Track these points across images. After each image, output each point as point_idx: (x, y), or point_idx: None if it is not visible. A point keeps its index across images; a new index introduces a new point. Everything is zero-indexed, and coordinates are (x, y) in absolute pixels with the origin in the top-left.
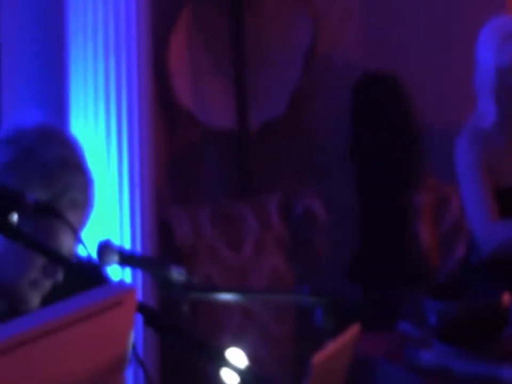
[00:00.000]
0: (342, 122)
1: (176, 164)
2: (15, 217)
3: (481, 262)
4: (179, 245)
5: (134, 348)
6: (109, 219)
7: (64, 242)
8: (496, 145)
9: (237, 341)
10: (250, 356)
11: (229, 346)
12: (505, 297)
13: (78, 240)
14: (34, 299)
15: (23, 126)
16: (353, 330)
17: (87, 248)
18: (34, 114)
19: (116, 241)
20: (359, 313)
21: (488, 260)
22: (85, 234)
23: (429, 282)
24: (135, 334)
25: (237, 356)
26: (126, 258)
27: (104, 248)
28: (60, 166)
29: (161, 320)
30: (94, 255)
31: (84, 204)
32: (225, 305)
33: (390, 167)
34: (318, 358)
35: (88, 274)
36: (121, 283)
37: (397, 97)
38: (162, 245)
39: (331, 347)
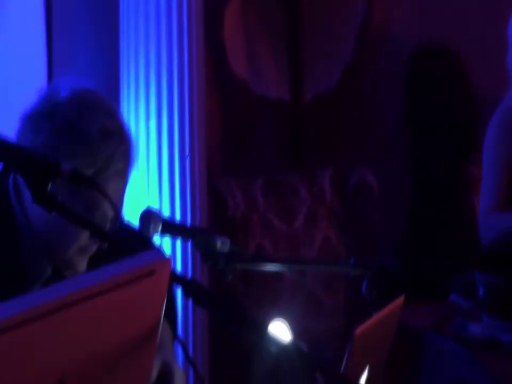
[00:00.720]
0: (396, 94)
1: (229, 134)
2: (49, 186)
3: None
4: (231, 216)
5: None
6: (160, 190)
7: (104, 211)
8: None
9: (287, 311)
10: (301, 327)
11: (273, 319)
12: None
13: (116, 209)
14: (81, 264)
15: (58, 96)
16: (398, 302)
17: (121, 216)
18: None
19: (166, 212)
20: (408, 285)
21: (486, 250)
22: (133, 204)
23: (481, 255)
24: (185, 312)
25: (281, 329)
26: (169, 227)
27: (147, 216)
28: (101, 138)
29: (199, 291)
30: (137, 223)
31: (126, 171)
32: (277, 276)
33: (445, 138)
34: (361, 329)
35: (128, 244)
36: (155, 252)
37: (452, 69)
38: (213, 216)
39: (374, 319)
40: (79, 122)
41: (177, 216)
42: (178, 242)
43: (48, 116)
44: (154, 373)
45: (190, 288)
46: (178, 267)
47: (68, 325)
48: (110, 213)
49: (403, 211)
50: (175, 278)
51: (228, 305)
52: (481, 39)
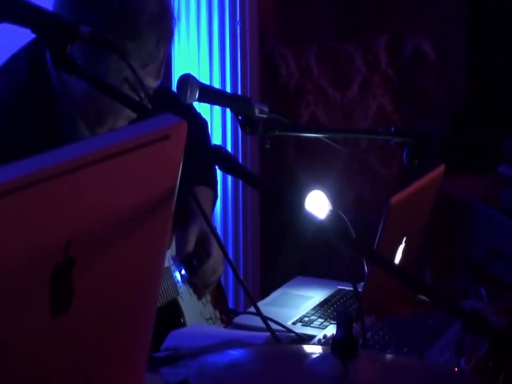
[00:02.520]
0: None
1: (285, 1)
2: (68, 48)
3: None
4: (284, 84)
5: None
6: (210, 58)
7: (132, 80)
8: None
9: (341, 181)
10: (355, 195)
11: (311, 189)
12: None
13: (140, 78)
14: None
15: None
16: (438, 171)
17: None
18: None
19: (216, 82)
20: (457, 155)
21: None
22: (181, 67)
23: None
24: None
25: (319, 199)
26: (206, 93)
27: (184, 82)
28: (149, 24)
29: (224, 160)
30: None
31: (170, 46)
32: (332, 146)
33: (503, 8)
34: (396, 199)
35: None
36: (170, 116)
37: None
38: (266, 83)
39: (411, 188)
40: (125, 12)
41: (228, 86)
42: (229, 114)
43: (93, 3)
44: (192, 239)
45: (215, 156)
46: (228, 140)
47: (78, 186)
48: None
49: (461, 79)
50: (199, 146)
51: (253, 176)
52: None
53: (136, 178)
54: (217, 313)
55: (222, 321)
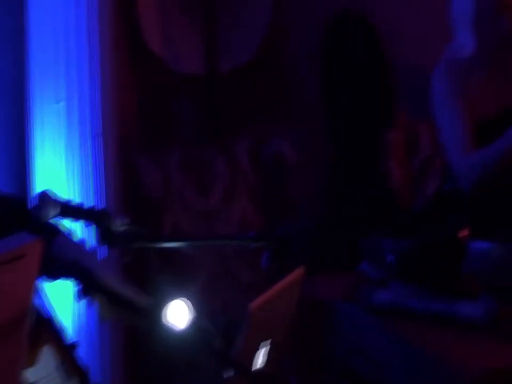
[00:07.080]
0: (314, 65)
1: (144, 110)
2: None
3: (453, 193)
4: (145, 194)
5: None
6: (69, 167)
7: None
8: (475, 77)
9: (209, 288)
10: (223, 302)
11: (174, 298)
12: (463, 233)
13: None
14: None
15: None
16: (297, 274)
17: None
18: None
19: (76, 196)
20: (319, 257)
21: (470, 195)
22: (41, 182)
23: (391, 221)
24: None
25: (181, 308)
26: (66, 209)
27: (43, 199)
28: None
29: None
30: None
31: None
32: (197, 253)
33: (362, 106)
34: (255, 304)
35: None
36: (24, 235)
37: (368, 38)
38: (127, 194)
39: (270, 292)
40: None
41: (91, 199)
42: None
43: None
44: None
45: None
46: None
47: None
48: None
49: (322, 182)
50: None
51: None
52: (397, 8)
53: None
54: None
55: None
